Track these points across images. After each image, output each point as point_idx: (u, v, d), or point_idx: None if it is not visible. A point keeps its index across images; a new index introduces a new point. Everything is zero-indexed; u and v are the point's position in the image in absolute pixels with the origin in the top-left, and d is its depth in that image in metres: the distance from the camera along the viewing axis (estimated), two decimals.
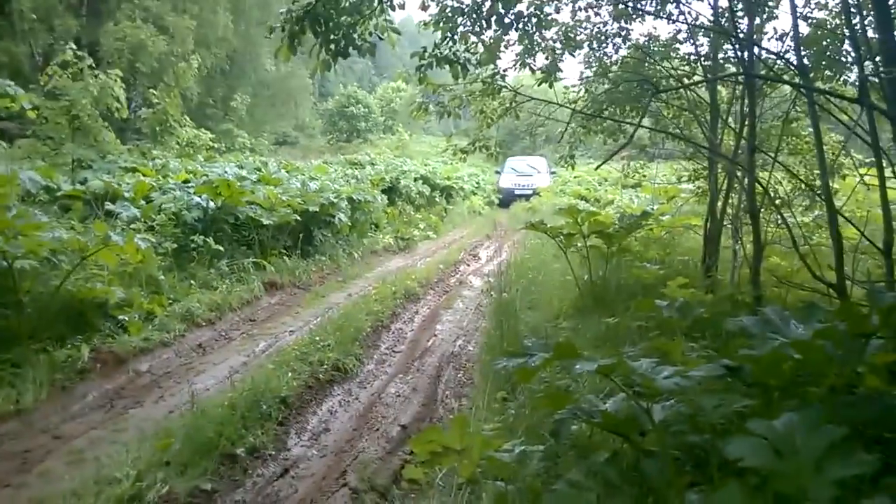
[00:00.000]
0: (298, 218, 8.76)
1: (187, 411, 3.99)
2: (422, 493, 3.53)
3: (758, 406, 2.57)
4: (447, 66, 3.91)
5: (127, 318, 5.69)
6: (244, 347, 5.93)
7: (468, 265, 11.22)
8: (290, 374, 4.88)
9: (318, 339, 5.75)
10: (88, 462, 3.67)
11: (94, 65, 10.17)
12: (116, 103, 9.78)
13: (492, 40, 4.83)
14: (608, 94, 6.65)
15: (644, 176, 9.27)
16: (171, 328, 5.92)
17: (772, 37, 5.12)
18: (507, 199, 21.01)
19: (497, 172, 23.88)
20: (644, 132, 9.62)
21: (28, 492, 3.33)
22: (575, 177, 19.83)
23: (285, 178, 10.21)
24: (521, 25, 4.46)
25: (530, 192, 20.09)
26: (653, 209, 8.08)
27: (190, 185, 8.34)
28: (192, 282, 6.87)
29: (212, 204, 7.79)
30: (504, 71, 5.32)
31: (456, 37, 4.07)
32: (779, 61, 4.65)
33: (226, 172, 9.48)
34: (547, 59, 5.74)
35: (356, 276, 9.47)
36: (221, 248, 7.41)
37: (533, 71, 5.81)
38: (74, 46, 9.94)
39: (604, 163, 5.63)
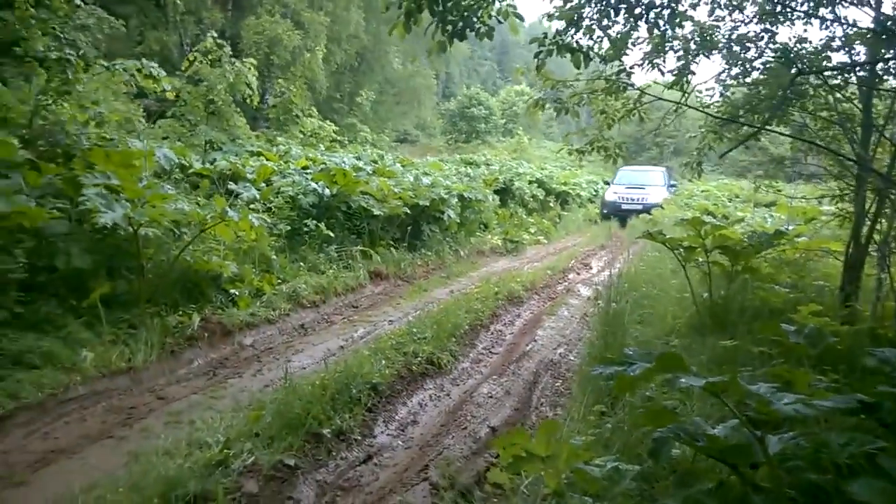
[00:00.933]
0: (408, 211, 8.82)
1: (281, 386, 4.04)
2: (505, 498, 3.37)
3: (893, 448, 2.23)
4: (568, 56, 3.71)
5: (237, 293, 5.92)
6: (344, 332, 6.00)
7: (578, 273, 10.86)
8: (383, 362, 4.86)
9: (415, 331, 5.72)
10: (184, 424, 3.80)
11: (232, 54, 10.76)
12: (249, 90, 10.32)
13: (619, 35, 4.58)
14: (746, 98, 6.17)
15: (779, 191, 8.54)
16: (277, 306, 6.10)
17: None
18: (611, 214, 18.26)
19: (606, 183, 21.07)
20: (784, 146, 8.92)
21: (127, 445, 3.48)
22: (703, 190, 18.80)
23: (399, 171, 10.34)
24: (652, 18, 4.18)
25: (640, 207, 17.42)
26: (788, 229, 7.45)
27: (308, 171, 8.61)
28: (301, 264, 7.07)
29: (327, 191, 7.99)
30: (630, 68, 5.02)
31: (580, 27, 3.85)
32: None
33: (343, 162, 9.73)
34: (679, 59, 5.38)
35: (461, 273, 9.41)
36: (332, 234, 7.58)
37: (662, 73, 5.47)
38: (216, 35, 10.57)
39: (729, 151, 5.16)
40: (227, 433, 3.58)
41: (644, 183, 19.05)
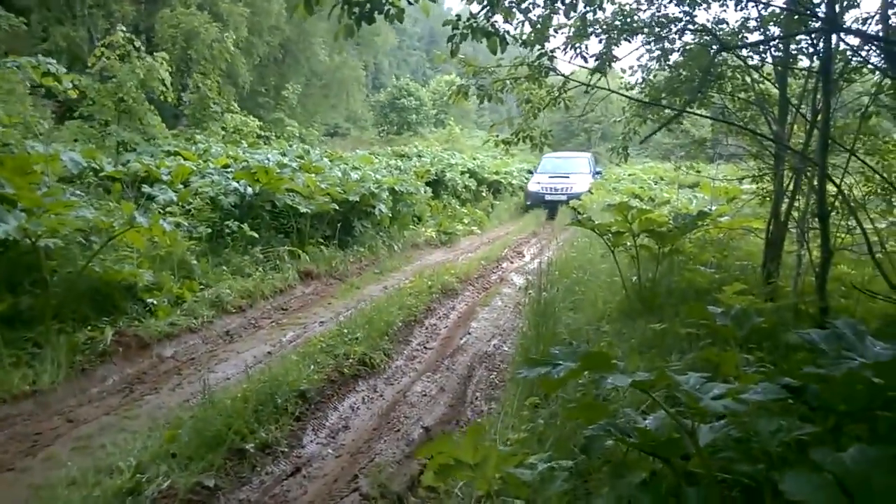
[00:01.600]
0: (337, 207, 8.58)
1: (199, 402, 3.80)
2: (438, 502, 3.26)
3: (822, 433, 2.22)
4: (485, 41, 3.59)
5: (155, 302, 5.59)
6: (271, 337, 5.77)
7: (511, 262, 10.87)
8: (312, 367, 4.67)
9: (346, 331, 5.53)
10: (95, 449, 3.52)
11: (142, 48, 10.21)
12: (162, 86, 9.80)
13: (539, 18, 4.49)
14: (667, 81, 6.23)
15: (698, 172, 8.73)
16: (200, 314, 5.80)
17: (854, 21, 4.63)
18: (533, 206, 17.40)
19: (530, 173, 20.04)
20: (706, 128, 9.11)
21: (29, 477, 3.19)
22: (629, 174, 19.15)
23: (327, 166, 10.07)
24: (571, 2, 4.10)
25: (564, 197, 16.52)
26: (711, 209, 7.60)
27: (230, 170, 8.25)
28: (224, 268, 6.75)
29: (249, 190, 7.68)
30: (552, 52, 4.95)
31: (497, 9, 3.73)
32: (862, 50, 4.17)
33: (268, 159, 9.39)
34: (601, 42, 5.35)
35: (394, 268, 9.25)
36: (256, 235, 7.28)
37: (585, 59, 5.44)
38: (125, 29, 9.98)
39: (651, 134, 5.19)
40: (140, 456, 3.34)
41: (569, 171, 18.25)
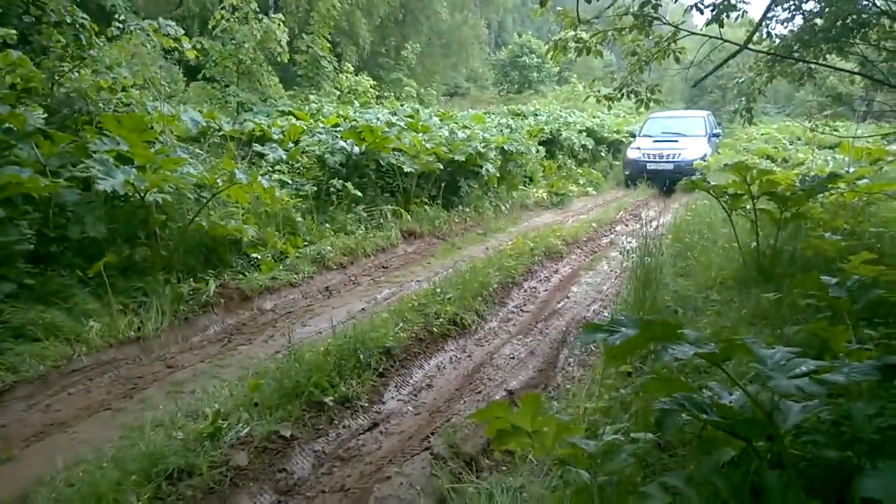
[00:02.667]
0: (442, 167, 8.49)
1: (284, 354, 3.89)
2: (513, 466, 3.14)
3: None
4: None
5: (259, 257, 5.80)
6: (367, 294, 5.82)
7: (626, 225, 10.35)
8: (400, 325, 4.65)
9: (439, 291, 5.47)
10: (186, 394, 3.70)
11: (271, 9, 10.50)
12: (279, 47, 10.09)
13: None
14: (799, 32, 5.54)
15: (835, 130, 7.79)
16: (301, 269, 5.96)
17: None
18: (633, 177, 14.07)
19: (632, 136, 16.41)
20: (856, 84, 8.10)
21: (124, 417, 3.40)
22: (762, 134, 17.60)
23: (435, 126, 9.99)
24: None
25: (670, 167, 13.45)
26: (847, 171, 6.78)
27: (338, 129, 8.37)
28: (328, 225, 6.89)
29: (356, 149, 7.75)
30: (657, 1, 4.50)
31: None
32: None
33: (377, 119, 9.44)
34: None
35: (499, 229, 9.08)
36: (360, 194, 7.36)
37: (701, 10, 4.92)
38: None
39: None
40: (225, 403, 3.46)
41: (678, 133, 14.75)
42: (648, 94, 5.18)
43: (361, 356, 3.99)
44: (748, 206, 5.57)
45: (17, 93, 5.73)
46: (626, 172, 14.54)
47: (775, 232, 5.49)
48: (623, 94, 5.25)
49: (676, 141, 14.26)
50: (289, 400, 3.47)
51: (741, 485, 1.98)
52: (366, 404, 3.75)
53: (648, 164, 13.89)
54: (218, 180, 5.15)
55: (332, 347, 3.95)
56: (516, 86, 33.19)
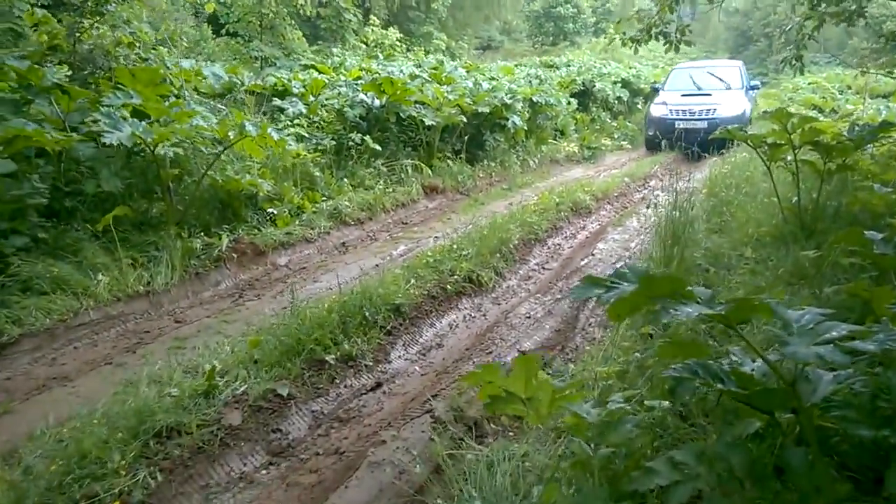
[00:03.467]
0: (465, 120, 8.22)
1: (287, 310, 3.79)
2: (520, 431, 3.01)
3: None
4: None
5: (276, 212, 5.71)
6: (383, 249, 5.70)
7: (661, 179, 9.94)
8: (412, 282, 4.52)
9: (455, 247, 5.31)
10: (188, 350, 3.64)
11: None
12: (301, 0, 9.83)
13: None
14: None
15: (890, 73, 7.28)
16: (317, 224, 5.84)
17: None
18: (656, 139, 11.34)
19: (655, 90, 13.69)
20: None
21: (123, 372, 3.35)
22: (810, 83, 16.72)
23: (461, 77, 9.67)
24: None
25: (705, 125, 11.05)
26: None
27: (360, 82, 8.15)
28: (346, 180, 6.74)
29: (376, 102, 7.53)
30: None
31: None
32: None
33: (401, 72, 9.18)
34: None
35: (526, 184, 8.82)
36: (379, 148, 7.18)
37: None
38: None
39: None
40: (226, 359, 3.39)
41: (711, 88, 12.32)
42: (679, 36, 4.81)
43: (367, 313, 3.88)
44: (789, 158, 5.23)
45: (42, 50, 5.68)
46: (650, 133, 12.03)
47: (818, 185, 5.16)
48: (651, 36, 4.90)
49: (710, 94, 12.03)
50: (289, 357, 3.38)
51: (759, 462, 1.79)
52: (370, 363, 3.65)
53: (678, 123, 11.28)
54: (230, 133, 5.02)
55: (335, 304, 3.84)
56: (551, 38, 32.20)
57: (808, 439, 1.79)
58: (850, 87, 15.61)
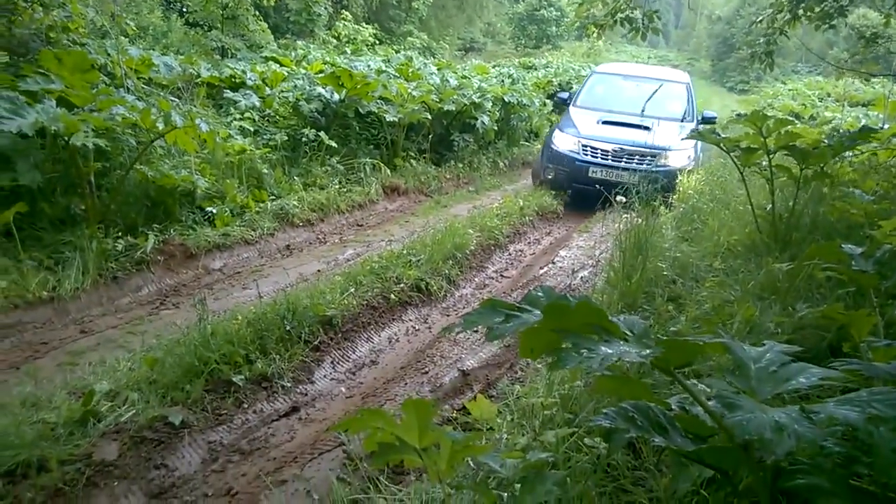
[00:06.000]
0: (431, 118, 7.82)
1: (194, 324, 3.35)
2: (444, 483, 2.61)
3: None
4: None
5: (215, 211, 5.27)
6: (330, 253, 5.29)
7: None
8: (351, 290, 4.11)
9: (406, 252, 4.92)
10: (81, 366, 3.20)
11: None
12: None
13: None
14: None
15: (868, 80, 6.99)
16: (260, 226, 5.41)
17: None
18: (558, 185, 7.60)
19: (561, 100, 9.14)
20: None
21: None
22: (790, 90, 16.51)
23: (428, 74, 9.26)
24: None
25: (634, 178, 6.01)
26: (882, 127, 6.03)
27: (320, 76, 7.71)
28: (297, 179, 6.30)
29: (335, 96, 7.11)
30: None
31: None
32: None
33: (368, 66, 8.75)
34: None
35: (494, 187, 8.46)
36: (335, 145, 6.75)
37: None
38: None
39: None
40: (118, 379, 2.96)
41: (653, 116, 7.17)
42: (645, 22, 4.43)
43: (288, 327, 3.46)
44: (763, 162, 4.91)
45: None
46: (547, 175, 7.61)
47: (794, 193, 4.85)
48: (615, 21, 4.51)
49: (649, 129, 6.99)
50: (188, 379, 2.96)
51: None
52: (288, 384, 3.24)
53: (593, 170, 7.21)
54: (158, 124, 4.58)
55: (253, 316, 3.42)
56: (534, 41, 31.89)
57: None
58: (829, 95, 15.43)
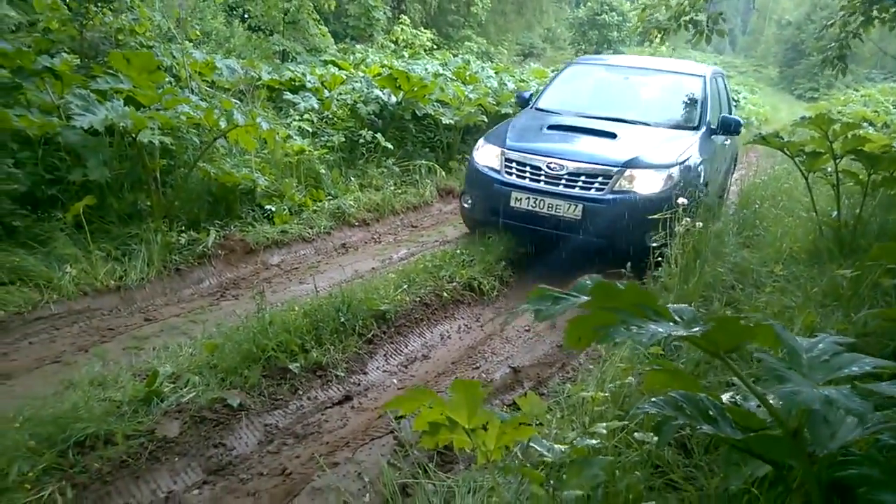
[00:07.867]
0: (487, 120, 7.85)
1: (253, 314, 3.46)
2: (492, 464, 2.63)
3: None
4: None
5: (274, 209, 5.42)
6: (384, 252, 5.36)
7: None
8: (404, 287, 4.17)
9: (459, 252, 4.95)
10: (145, 350, 3.35)
11: None
12: None
13: None
14: None
15: None
16: (317, 224, 5.53)
17: None
18: (482, 218, 5.20)
19: (521, 99, 6.47)
20: None
21: (70, 372, 3.06)
22: (863, 96, 15.83)
23: (485, 77, 9.30)
24: None
25: (578, 213, 4.61)
26: None
27: (378, 78, 7.85)
28: (353, 179, 6.42)
29: (392, 98, 7.22)
30: None
31: None
32: None
33: (426, 70, 8.87)
34: None
35: None
36: (391, 147, 6.85)
37: None
38: None
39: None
40: (181, 363, 3.08)
41: (633, 115, 5.52)
42: (711, 25, 4.32)
43: (344, 319, 3.53)
44: (829, 168, 4.75)
45: (49, 39, 5.54)
46: (464, 205, 5.44)
47: (861, 199, 4.68)
48: (680, 25, 4.43)
49: (614, 136, 5.10)
50: (247, 365, 3.06)
51: None
52: (342, 374, 3.30)
53: (515, 195, 4.88)
54: (220, 122, 4.76)
55: (311, 308, 3.51)
56: (595, 46, 31.53)
57: (815, 502, 1.38)
58: None
